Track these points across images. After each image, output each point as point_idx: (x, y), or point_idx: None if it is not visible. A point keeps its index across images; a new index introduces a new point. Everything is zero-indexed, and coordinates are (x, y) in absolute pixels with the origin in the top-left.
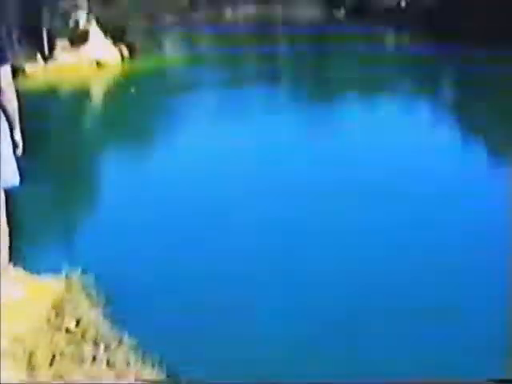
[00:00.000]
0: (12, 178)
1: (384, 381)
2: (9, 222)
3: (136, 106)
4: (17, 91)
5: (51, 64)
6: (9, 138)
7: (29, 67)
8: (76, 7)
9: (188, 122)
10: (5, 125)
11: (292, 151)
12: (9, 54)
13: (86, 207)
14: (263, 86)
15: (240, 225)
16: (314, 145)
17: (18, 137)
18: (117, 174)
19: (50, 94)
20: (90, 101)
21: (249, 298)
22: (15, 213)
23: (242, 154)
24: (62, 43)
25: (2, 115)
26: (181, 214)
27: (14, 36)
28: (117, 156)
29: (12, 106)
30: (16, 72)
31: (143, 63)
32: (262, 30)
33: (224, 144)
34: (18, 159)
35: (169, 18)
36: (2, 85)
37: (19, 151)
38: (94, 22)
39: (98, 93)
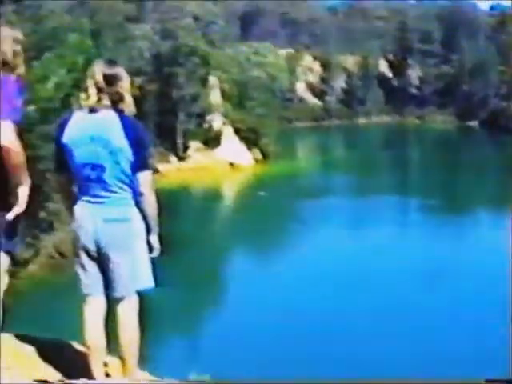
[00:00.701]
0: (147, 280)
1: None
2: (141, 325)
3: (266, 209)
4: (157, 194)
5: (185, 164)
6: (145, 240)
7: (163, 167)
8: (211, 110)
9: (317, 228)
10: (142, 226)
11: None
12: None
13: (214, 310)
14: (392, 194)
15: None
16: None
17: (154, 239)
18: (244, 276)
19: (183, 194)
20: (222, 202)
21: None
22: (147, 315)
23: (362, 266)
24: (195, 144)
25: (140, 216)
26: (305, 314)
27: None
28: (245, 258)
29: (152, 209)
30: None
31: (275, 167)
32: (394, 138)
33: (346, 251)
34: (152, 261)
35: (302, 124)
36: (145, 190)
37: (155, 253)
38: (228, 125)
39: (229, 194)
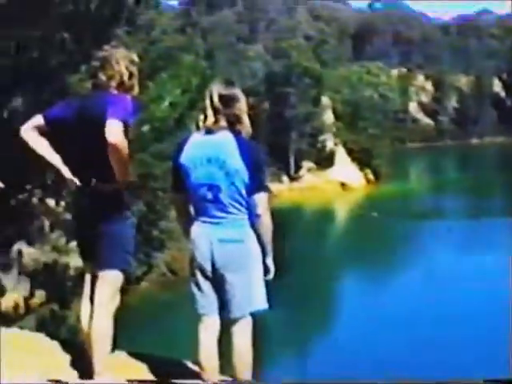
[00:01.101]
0: (261, 301)
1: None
2: (254, 345)
3: (377, 230)
4: (272, 215)
5: (297, 184)
6: (260, 262)
7: (275, 186)
8: (323, 130)
9: (428, 250)
10: (257, 248)
11: None
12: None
13: (325, 330)
14: (506, 217)
15: None
16: None
17: (269, 261)
18: (355, 297)
19: (295, 214)
20: (333, 222)
21: None
22: (260, 336)
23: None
24: (307, 164)
25: (255, 238)
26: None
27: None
28: (356, 279)
29: (268, 231)
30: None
31: (387, 188)
32: (508, 159)
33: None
34: (267, 282)
35: (414, 144)
36: (261, 212)
37: (270, 275)
38: (340, 145)
39: (341, 215)
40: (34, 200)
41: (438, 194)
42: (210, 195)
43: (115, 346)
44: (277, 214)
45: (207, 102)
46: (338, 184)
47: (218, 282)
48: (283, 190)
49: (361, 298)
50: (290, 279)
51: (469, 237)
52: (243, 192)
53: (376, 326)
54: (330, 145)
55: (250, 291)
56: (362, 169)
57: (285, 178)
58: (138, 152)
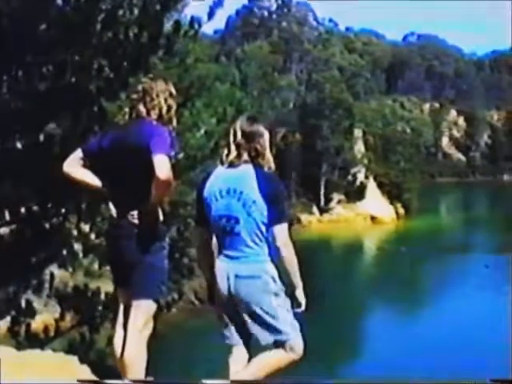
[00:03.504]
0: (285, 333)
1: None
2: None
3: (406, 265)
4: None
5: (327, 216)
6: (282, 295)
7: (304, 217)
8: (354, 162)
9: (457, 286)
10: (277, 282)
11: None
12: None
13: (352, 365)
14: None
15: None
16: None
17: (299, 293)
18: (383, 332)
19: (323, 246)
20: (362, 256)
21: None
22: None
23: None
24: (338, 196)
25: (275, 271)
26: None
27: (292, 186)
28: (384, 314)
29: (290, 263)
30: (291, 222)
31: (417, 222)
32: None
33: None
34: (295, 315)
35: (445, 179)
36: (281, 244)
37: (302, 308)
38: (371, 178)
39: (370, 248)
40: (68, 224)
41: (468, 229)
42: (228, 227)
43: (147, 373)
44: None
45: (231, 137)
46: (367, 217)
47: (238, 315)
48: (313, 221)
49: (389, 332)
50: (317, 312)
51: (497, 273)
52: (261, 224)
53: (405, 360)
54: (360, 177)
55: (273, 325)
56: (392, 202)
57: (315, 210)
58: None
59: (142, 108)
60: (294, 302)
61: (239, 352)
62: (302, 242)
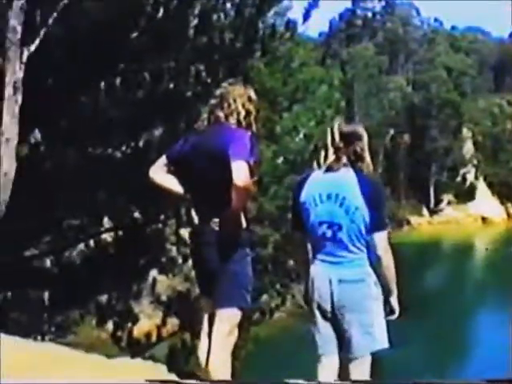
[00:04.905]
0: (381, 342)
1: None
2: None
3: None
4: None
5: (436, 217)
6: (380, 302)
7: (414, 219)
8: (464, 162)
9: None
10: (378, 287)
11: None
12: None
13: (457, 370)
14: None
15: None
16: None
17: (393, 300)
18: (490, 336)
19: (433, 248)
20: (473, 258)
21: None
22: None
23: None
24: (447, 197)
25: (375, 277)
26: None
27: (401, 188)
28: (492, 317)
29: (390, 271)
30: (401, 223)
31: None
32: None
33: None
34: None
35: None
36: (382, 252)
37: (395, 316)
38: (481, 179)
39: (481, 249)
40: (168, 230)
41: None
42: (329, 233)
43: (233, 375)
44: (416, 249)
45: (328, 139)
46: (478, 218)
47: (337, 321)
48: (423, 223)
49: (499, 334)
50: (427, 314)
51: None
52: (363, 230)
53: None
54: (470, 178)
55: (370, 331)
56: (503, 203)
57: (425, 211)
58: (272, 184)
59: (220, 113)
60: (387, 309)
61: (330, 361)
62: (412, 244)
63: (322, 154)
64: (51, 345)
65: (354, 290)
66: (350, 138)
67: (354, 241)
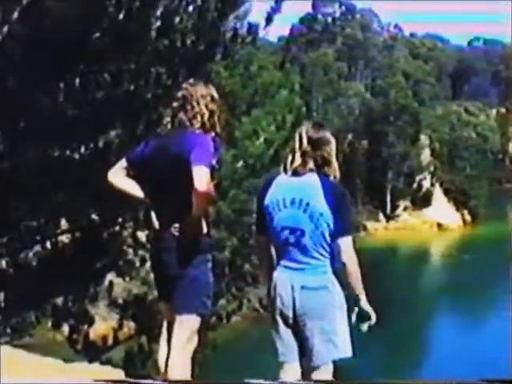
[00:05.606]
0: (345, 350)
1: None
2: None
3: (471, 273)
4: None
5: (393, 223)
6: (344, 309)
7: (370, 225)
8: (420, 169)
9: None
10: (341, 295)
11: None
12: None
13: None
14: None
15: None
16: None
17: (364, 304)
18: (447, 340)
19: (389, 254)
20: (428, 264)
21: None
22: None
23: None
24: (404, 203)
25: (338, 284)
26: None
27: (358, 194)
28: (449, 322)
29: (355, 276)
30: (357, 229)
31: (484, 229)
32: None
33: None
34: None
35: None
36: (346, 258)
37: (373, 319)
38: (437, 185)
39: (436, 256)
40: (126, 233)
41: None
42: (292, 239)
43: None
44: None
45: (296, 144)
46: (434, 224)
47: (299, 329)
48: (379, 228)
49: (455, 340)
50: (383, 320)
51: None
52: (327, 236)
53: (471, 369)
54: (426, 184)
55: (333, 339)
56: (458, 209)
57: (381, 217)
58: (231, 188)
59: (183, 116)
60: (360, 315)
61: (292, 368)
62: (368, 249)
63: (289, 157)
64: (7, 347)
65: (317, 297)
66: (318, 143)
67: (317, 247)
